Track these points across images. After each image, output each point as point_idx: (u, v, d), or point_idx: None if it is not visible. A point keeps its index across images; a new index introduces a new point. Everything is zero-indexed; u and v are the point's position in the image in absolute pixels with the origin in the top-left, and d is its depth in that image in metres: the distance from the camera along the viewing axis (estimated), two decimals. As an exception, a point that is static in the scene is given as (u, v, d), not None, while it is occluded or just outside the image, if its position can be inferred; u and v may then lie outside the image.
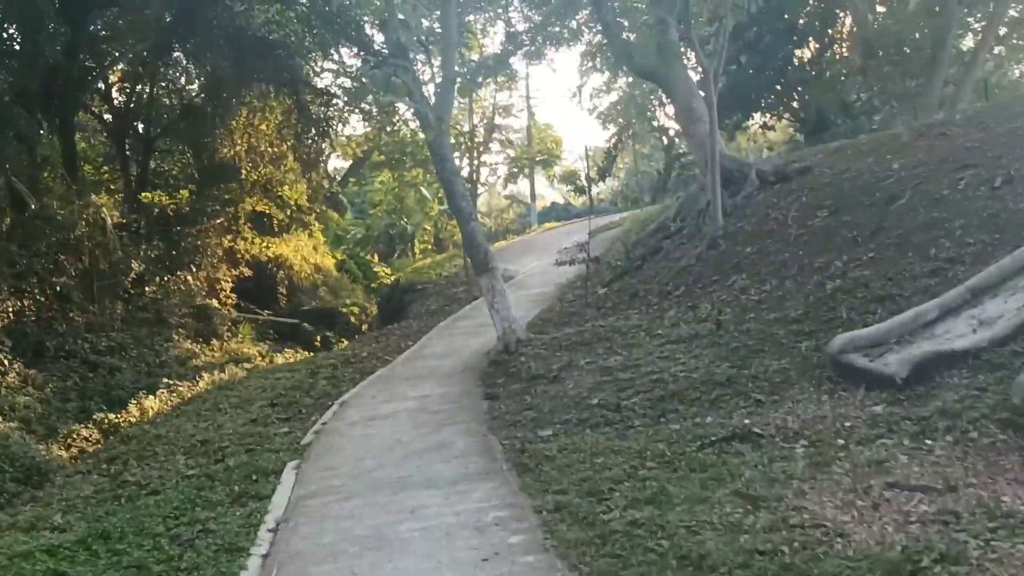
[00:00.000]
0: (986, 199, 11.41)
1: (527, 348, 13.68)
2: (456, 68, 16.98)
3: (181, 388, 19.17)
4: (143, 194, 26.97)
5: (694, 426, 8.73)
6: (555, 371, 11.95)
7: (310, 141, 30.45)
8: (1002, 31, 28.15)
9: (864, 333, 9.52)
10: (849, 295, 10.77)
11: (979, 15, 28.14)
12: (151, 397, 18.09)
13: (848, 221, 12.99)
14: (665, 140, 48.28)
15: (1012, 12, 27.79)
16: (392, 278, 33.66)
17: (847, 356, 9.26)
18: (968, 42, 29.99)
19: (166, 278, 25.79)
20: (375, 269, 38.64)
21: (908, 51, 28.70)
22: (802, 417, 8.34)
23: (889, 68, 28.55)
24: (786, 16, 32.02)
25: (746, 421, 8.50)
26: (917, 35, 28.28)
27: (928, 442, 7.14)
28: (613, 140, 49.04)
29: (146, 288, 24.81)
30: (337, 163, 46.51)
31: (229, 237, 30.66)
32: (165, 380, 19.52)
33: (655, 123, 46.55)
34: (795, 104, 34.99)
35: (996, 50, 29.82)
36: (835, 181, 15.33)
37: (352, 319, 31.29)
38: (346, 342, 28.81)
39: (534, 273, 26.01)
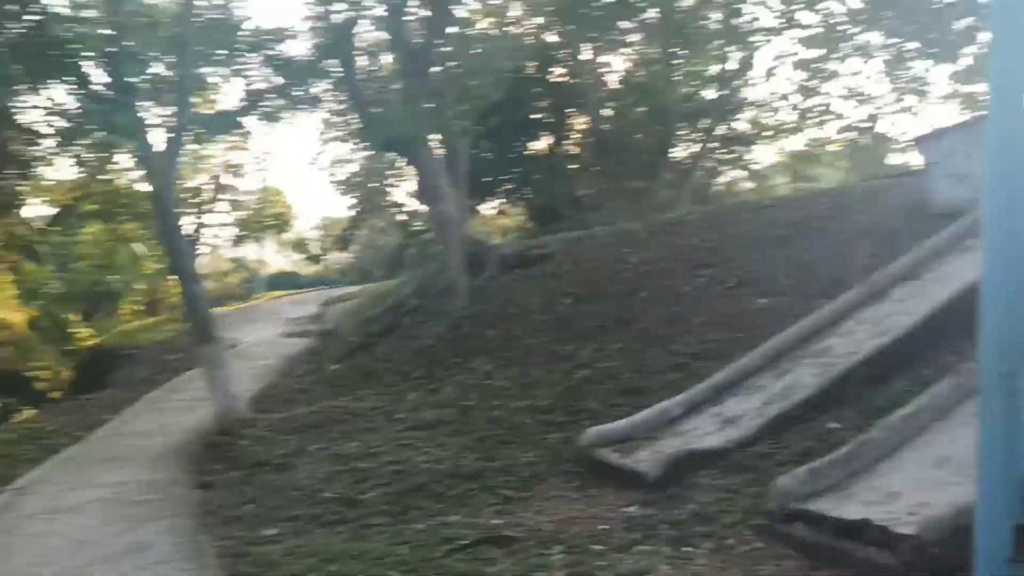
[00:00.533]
0: (722, 298, 11.78)
1: (250, 429, 12.26)
2: (188, 118, 15.51)
3: None
4: None
5: (440, 526, 7.88)
6: (282, 457, 10.68)
7: (3, 178, 26.94)
8: (713, 144, 30.72)
9: (614, 427, 9.23)
10: (597, 386, 10.56)
11: (695, 129, 30.60)
12: None
13: (592, 310, 12.98)
14: (403, 216, 48.12)
15: (721, 129, 30.47)
16: (94, 340, 30.25)
17: (598, 451, 8.90)
18: (684, 152, 32.51)
19: None
20: (73, 329, 34.65)
21: (634, 154, 30.62)
22: (556, 517, 7.77)
23: (619, 167, 30.24)
24: (526, 108, 33.17)
25: (498, 521, 7.79)
26: (642, 140, 30.26)
27: (687, 549, 6.78)
28: (354, 211, 48.17)
29: None
30: (41, 210, 41.91)
31: None
32: None
33: (393, 198, 46.31)
34: (529, 194, 36.12)
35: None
36: (577, 270, 15.44)
37: (40, 385, 27.57)
38: (31, 411, 25.25)
39: (259, 344, 24.23)
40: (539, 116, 34.68)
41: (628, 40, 31.55)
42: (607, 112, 31.83)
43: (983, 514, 4.44)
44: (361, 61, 25.21)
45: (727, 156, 33.07)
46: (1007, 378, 4.34)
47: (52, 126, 29.09)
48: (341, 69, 22.83)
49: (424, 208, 33.42)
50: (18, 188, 28.40)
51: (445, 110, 17.75)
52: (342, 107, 38.77)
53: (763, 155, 37.05)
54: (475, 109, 17.57)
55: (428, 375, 13.77)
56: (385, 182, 48.11)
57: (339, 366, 17.57)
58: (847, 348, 9.44)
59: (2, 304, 31.73)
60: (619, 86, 32.73)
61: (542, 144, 36.16)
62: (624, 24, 29.66)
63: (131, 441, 13.59)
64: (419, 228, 30.70)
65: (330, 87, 29.07)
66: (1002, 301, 4.51)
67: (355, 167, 48.83)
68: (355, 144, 43.19)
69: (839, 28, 25.38)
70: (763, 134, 31.24)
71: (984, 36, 24.75)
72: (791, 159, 31.99)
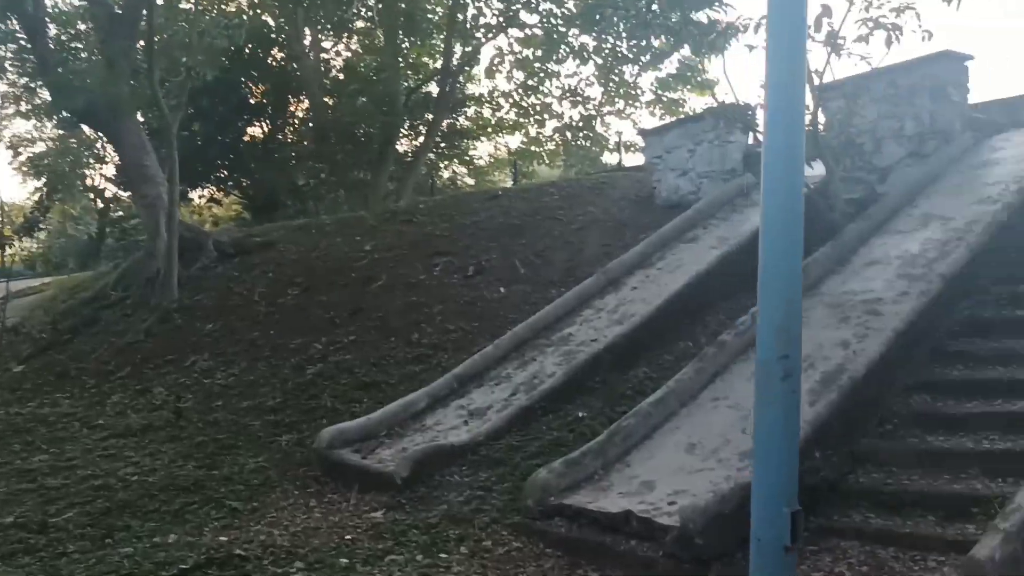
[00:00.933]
0: (461, 286, 11.36)
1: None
2: None
3: None
4: None
5: (154, 548, 6.71)
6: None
7: None
8: (436, 138, 30.58)
9: (353, 425, 8.48)
10: (332, 381, 9.72)
11: (419, 121, 30.33)
12: None
13: (323, 301, 12.08)
14: (100, 202, 43.87)
15: (444, 123, 30.42)
16: None
17: (337, 452, 8.12)
18: (408, 144, 32.16)
19: None
20: None
21: (357, 144, 29.79)
22: (292, 530, 6.90)
23: (342, 156, 29.25)
24: (243, 91, 31.25)
25: (224, 539, 6.78)
26: (366, 131, 29.51)
27: (443, 555, 6.22)
28: (39, 196, 43.15)
29: None
30: None
31: None
32: None
33: (89, 182, 42.02)
34: (245, 181, 34.04)
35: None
36: (304, 259, 14.42)
37: None
38: None
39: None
40: (257, 101, 32.83)
41: (352, 26, 30.65)
42: (329, 100, 30.69)
43: (760, 501, 4.23)
44: (53, 27, 22.51)
45: (449, 151, 33.15)
46: (784, 361, 4.17)
47: None
48: (24, 33, 20.13)
49: (127, 192, 30.57)
50: None
51: (151, 83, 15.91)
52: (27, 77, 34.78)
53: (484, 150, 37.66)
54: (184, 87, 15.94)
55: (135, 375, 12.17)
56: (80, 162, 43.56)
57: (24, 367, 15.25)
58: (588, 336, 9.35)
59: None
60: (341, 75, 31.69)
61: (259, 130, 34.29)
62: (348, 10, 28.73)
63: None
64: (121, 214, 27.79)
65: (11, 54, 25.82)
66: (779, 286, 4.34)
67: (42, 146, 43.87)
68: (43, 119, 38.77)
69: (559, 30, 26.06)
70: (486, 130, 31.58)
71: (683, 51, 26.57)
72: (511, 155, 32.61)
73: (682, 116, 12.73)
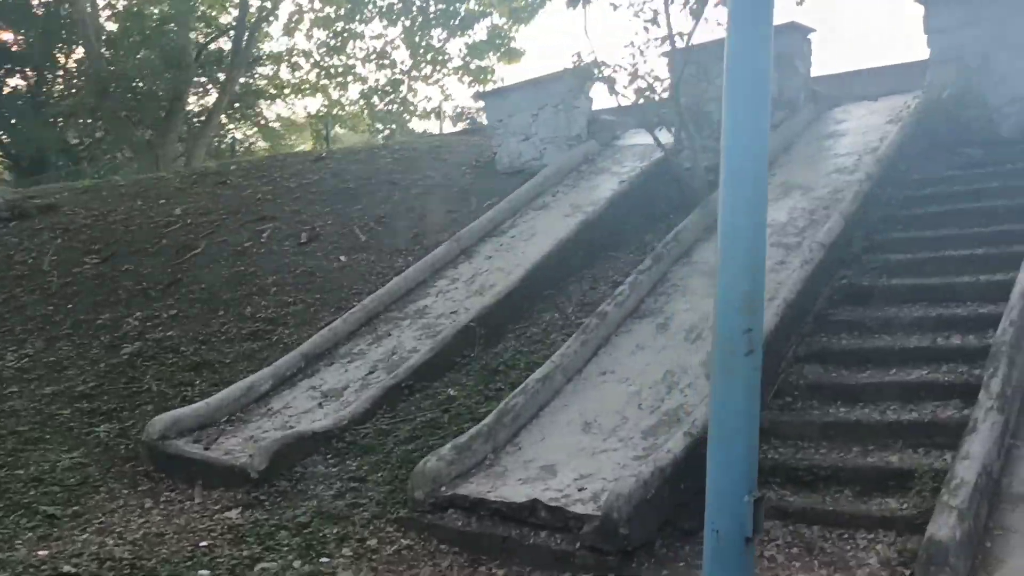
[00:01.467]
0: (295, 255, 10.30)
1: None
2: None
3: None
4: None
5: (-48, 573, 5.47)
6: None
7: None
8: (230, 97, 28.52)
9: (188, 411, 7.38)
10: (154, 361, 8.44)
11: (211, 79, 28.20)
12: None
13: (131, 271, 10.60)
14: None
15: (238, 81, 28.43)
16: None
17: (172, 443, 7.02)
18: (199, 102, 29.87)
19: None
20: None
21: (141, 100, 27.25)
22: (129, 538, 5.84)
23: (127, 113, 26.65)
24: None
25: (43, 552, 5.62)
26: (154, 86, 27.06)
27: (323, 559, 5.41)
28: None
29: None
30: None
31: None
32: None
33: None
34: (5, 137, 30.31)
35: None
36: (100, 223, 12.70)
37: None
38: None
39: None
40: (19, 49, 29.24)
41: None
42: (107, 52, 27.77)
43: (717, 489, 3.78)
44: None
45: (243, 112, 31.10)
46: (748, 335, 3.75)
47: None
48: None
49: None
50: None
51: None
52: None
53: (279, 112, 35.75)
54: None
55: None
56: None
57: None
58: (447, 308, 8.70)
59: None
60: (119, 23, 28.76)
61: (21, 81, 30.62)
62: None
63: None
64: None
65: None
66: (743, 255, 3.85)
67: None
68: None
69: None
70: (283, 91, 29.84)
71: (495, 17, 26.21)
72: (310, 119, 31.01)
73: (527, 80, 12.16)
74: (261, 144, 34.56)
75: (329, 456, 6.71)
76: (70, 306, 10.11)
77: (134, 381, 8.11)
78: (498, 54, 26.37)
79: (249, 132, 33.27)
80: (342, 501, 6.06)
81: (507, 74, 35.24)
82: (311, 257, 10.16)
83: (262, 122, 32.34)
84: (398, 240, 10.30)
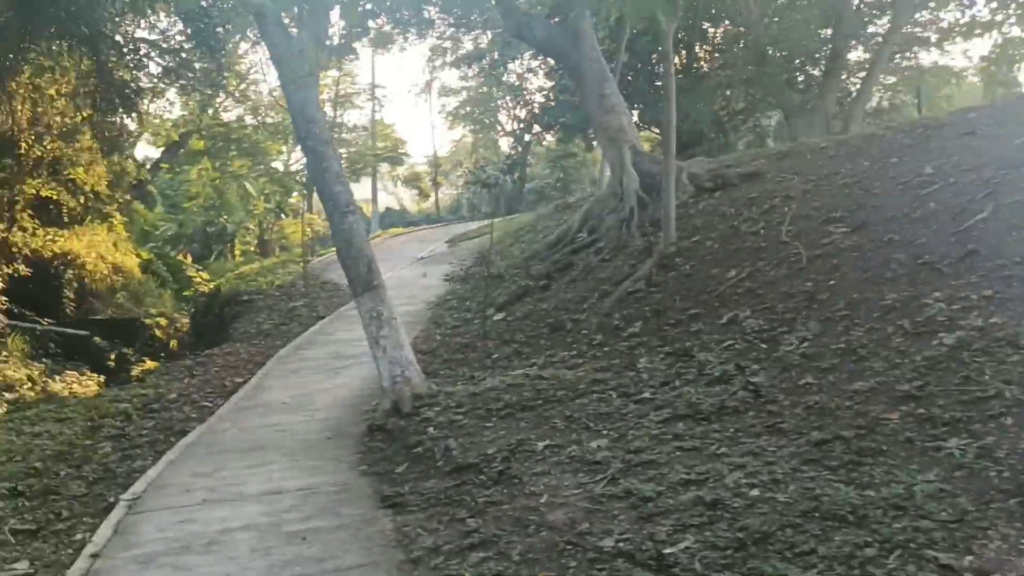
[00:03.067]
0: None
1: (432, 410, 8.80)
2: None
3: None
4: None
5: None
6: (497, 460, 7.15)
7: (111, 113, 24.07)
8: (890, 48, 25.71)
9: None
10: (988, 356, 6.60)
11: (877, 26, 25.71)
12: None
13: (895, 241, 8.98)
14: (518, 148, 44.36)
15: (907, 28, 25.45)
16: (210, 285, 27.54)
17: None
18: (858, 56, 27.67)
19: (-98, 274, 18.87)
20: (188, 273, 32.13)
21: (803, 60, 26.08)
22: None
23: (787, 76, 25.71)
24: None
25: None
26: (812, 44, 25.61)
27: None
28: (465, 142, 44.77)
29: None
30: (148, 151, 39.68)
31: (2, 226, 23.77)
32: None
33: (510, 126, 42.51)
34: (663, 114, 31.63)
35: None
36: (826, 188, 11.41)
37: (157, 333, 25.01)
38: (149, 362, 22.71)
39: (392, 287, 20.92)
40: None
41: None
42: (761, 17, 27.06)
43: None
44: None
45: (901, 62, 28.03)
46: None
47: (157, 48, 26.08)
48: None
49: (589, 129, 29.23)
50: (127, 127, 25.63)
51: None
52: (450, 31, 35.28)
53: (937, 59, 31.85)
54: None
55: (651, 331, 10.06)
56: (496, 111, 44.33)
57: (503, 315, 14.06)
58: None
59: (116, 247, 29.30)
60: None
61: (677, 59, 31.69)
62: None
63: (272, 419, 10.34)
64: (562, 154, 26.63)
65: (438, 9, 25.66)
66: None
67: (464, 97, 45.22)
68: (466, 67, 39.49)
69: None
70: (951, 34, 26.08)
71: None
72: (986, 63, 26.71)
73: None
74: (905, 99, 31.26)
75: None
76: (831, 282, 8.84)
77: (968, 381, 6.35)
78: None
79: (900, 86, 30.12)
80: None
81: None
82: None
83: (916, 74, 28.90)
84: None
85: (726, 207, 13.04)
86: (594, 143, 27.26)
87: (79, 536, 6.90)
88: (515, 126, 40.58)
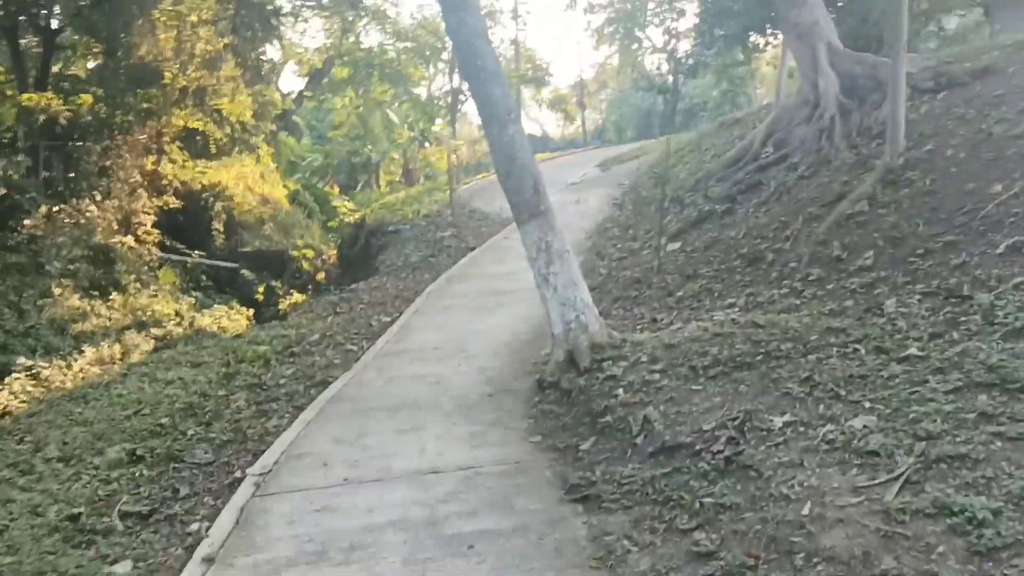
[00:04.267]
0: None
1: (618, 365, 6.94)
2: None
3: (47, 371, 12.43)
4: (24, 96, 19.38)
5: None
6: (720, 441, 5.23)
7: (251, 39, 23.02)
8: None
9: None
10: None
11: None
12: (-8, 388, 11.54)
13: None
14: (665, 66, 41.21)
15: None
16: (356, 215, 26.57)
17: None
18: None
19: (56, 208, 18.44)
20: (334, 204, 31.36)
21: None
22: None
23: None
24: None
25: None
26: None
27: None
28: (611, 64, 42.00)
29: (24, 221, 17.50)
30: (293, 83, 39.09)
31: (151, 158, 23.32)
32: (21, 360, 12.64)
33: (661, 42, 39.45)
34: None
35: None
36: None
37: (305, 265, 24.22)
38: (296, 295, 21.92)
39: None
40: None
41: None
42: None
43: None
44: None
45: None
46: None
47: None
48: None
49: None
50: (265, 44, 24.57)
51: None
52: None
53: None
54: None
55: (893, 265, 7.80)
56: (643, 27, 41.27)
57: (679, 245, 12.02)
58: None
59: (263, 178, 28.74)
60: None
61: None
62: None
63: (423, 368, 8.80)
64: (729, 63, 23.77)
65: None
66: None
67: (611, 12, 42.32)
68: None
69: None
70: None
71: None
72: None
73: None
74: None
75: None
76: None
77: None
78: None
79: None
80: None
81: None
82: None
83: None
84: None
85: (961, 109, 10.44)
86: (762, 48, 24.18)
87: (195, 526, 5.51)
88: (667, 40, 37.52)
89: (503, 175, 7.89)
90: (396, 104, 37.03)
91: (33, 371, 12.34)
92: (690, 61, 24.34)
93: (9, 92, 20.94)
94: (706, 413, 5.73)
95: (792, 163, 12.46)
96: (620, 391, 6.44)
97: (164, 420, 7.87)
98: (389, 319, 11.51)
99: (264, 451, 6.76)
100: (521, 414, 6.95)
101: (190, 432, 7.53)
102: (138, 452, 7.00)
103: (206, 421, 7.84)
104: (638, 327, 8.90)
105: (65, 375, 12.49)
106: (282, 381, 8.98)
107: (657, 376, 6.52)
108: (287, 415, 7.74)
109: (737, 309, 8.39)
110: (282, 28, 25.44)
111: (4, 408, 11.27)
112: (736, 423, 5.42)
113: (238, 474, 6.31)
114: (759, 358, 6.44)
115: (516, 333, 9.84)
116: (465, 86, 36.00)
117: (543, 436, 6.38)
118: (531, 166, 7.76)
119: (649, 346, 7.13)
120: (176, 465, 6.69)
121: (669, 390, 6.25)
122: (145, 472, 6.60)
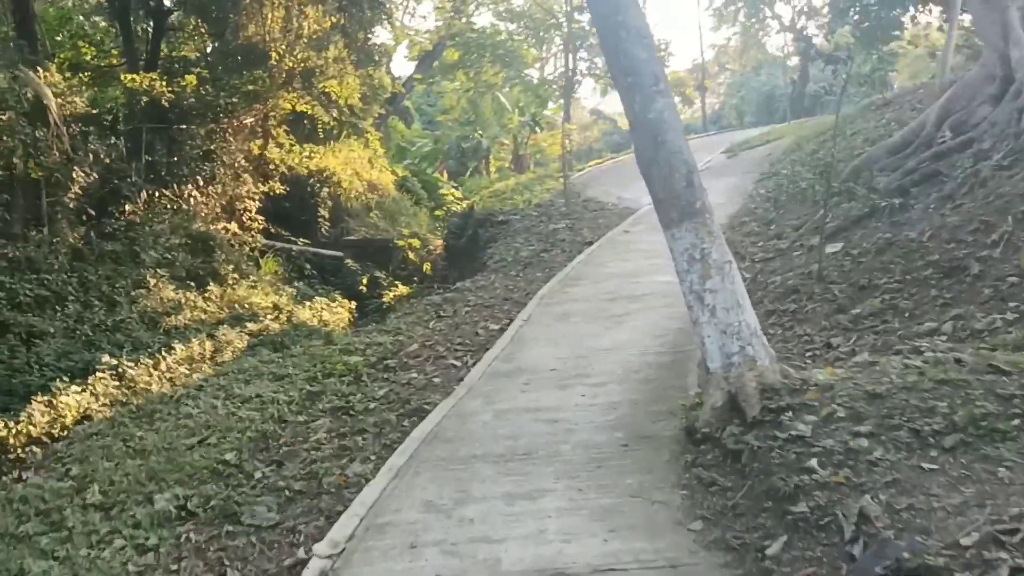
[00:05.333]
0: None
1: (803, 421, 5.09)
2: None
3: (132, 371, 11.45)
4: (127, 76, 18.63)
5: None
6: (1000, 572, 3.41)
7: (359, 18, 21.85)
8: None
9: None
10: None
11: None
12: (76, 387, 10.63)
13: None
14: (789, 47, 38.38)
15: None
16: (464, 203, 25.16)
17: None
18: None
19: (155, 193, 17.61)
20: (443, 191, 30.08)
21: None
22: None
23: None
24: None
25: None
26: None
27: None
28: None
29: (123, 207, 16.70)
30: (403, 68, 38.07)
31: (258, 142, 22.43)
32: (105, 359, 11.64)
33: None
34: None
35: None
36: None
37: (410, 255, 22.97)
38: (400, 287, 20.68)
39: (669, 205, 17.13)
40: None
41: None
42: None
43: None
44: None
45: None
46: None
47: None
48: None
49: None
50: (373, 23, 23.40)
51: None
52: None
53: None
54: None
55: None
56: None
57: (839, 246, 9.97)
58: None
59: (371, 164, 27.67)
60: None
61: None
62: None
63: (537, 396, 7.15)
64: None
65: None
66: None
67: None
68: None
69: None
70: None
71: None
72: None
73: None
74: None
75: None
76: None
77: None
78: None
79: None
80: None
81: None
82: None
83: None
84: None
85: None
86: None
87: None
88: (796, 19, 34.75)
89: (645, 162, 6.11)
90: (507, 88, 35.52)
91: (119, 370, 11.38)
92: (829, 38, 21.89)
93: (122, 75, 20.35)
94: (957, 514, 3.87)
95: (981, 149, 10.22)
96: (814, 462, 4.61)
97: (229, 455, 6.48)
98: (497, 327, 9.92)
99: (339, 513, 5.24)
100: (670, 481, 5.20)
101: (257, 475, 6.10)
102: (190, 504, 5.60)
103: (278, 459, 6.41)
104: (807, 353, 7.02)
105: (151, 375, 11.49)
106: (372, 406, 7.49)
107: (865, 443, 4.66)
108: (373, 457, 6.23)
109: (944, 337, 6.41)
110: (391, 8, 24.15)
111: (85, 411, 10.33)
112: (1017, 538, 3.55)
113: (302, 553, 4.79)
114: (1016, 423, 4.51)
115: (647, 352, 8.09)
116: (582, 66, 34.20)
117: (705, 522, 4.62)
118: (683, 152, 5.97)
119: (844, 393, 5.25)
120: (230, 528, 5.24)
121: (889, 467, 4.39)
122: (192, 537, 5.18)
